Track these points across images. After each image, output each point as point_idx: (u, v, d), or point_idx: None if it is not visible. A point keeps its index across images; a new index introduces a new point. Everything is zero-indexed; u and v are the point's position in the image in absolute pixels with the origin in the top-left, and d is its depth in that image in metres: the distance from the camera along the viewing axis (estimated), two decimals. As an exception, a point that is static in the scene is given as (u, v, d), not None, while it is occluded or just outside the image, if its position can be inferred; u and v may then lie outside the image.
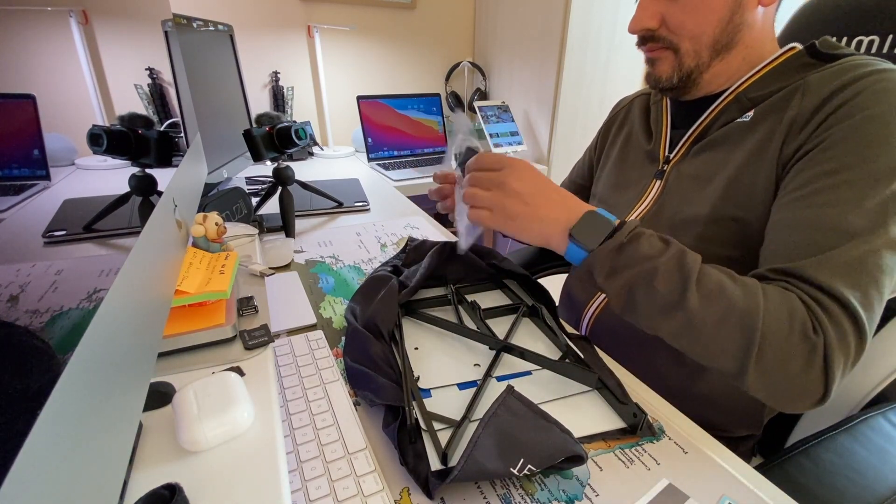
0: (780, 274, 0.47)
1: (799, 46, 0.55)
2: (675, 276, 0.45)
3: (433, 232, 1.01)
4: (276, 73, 1.75)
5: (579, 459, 0.42)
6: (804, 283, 0.45)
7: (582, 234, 0.49)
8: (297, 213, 1.00)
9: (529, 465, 0.40)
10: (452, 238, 0.93)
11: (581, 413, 0.50)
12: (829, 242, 0.45)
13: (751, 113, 0.55)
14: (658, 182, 0.64)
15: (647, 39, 0.57)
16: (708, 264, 0.48)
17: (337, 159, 1.74)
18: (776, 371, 0.44)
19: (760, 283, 0.46)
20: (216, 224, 0.58)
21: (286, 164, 0.96)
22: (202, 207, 0.82)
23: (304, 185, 1.11)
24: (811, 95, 0.50)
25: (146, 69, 0.49)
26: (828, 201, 0.46)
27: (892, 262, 0.44)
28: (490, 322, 0.63)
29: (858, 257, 0.44)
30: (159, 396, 0.41)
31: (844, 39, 0.64)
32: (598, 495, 0.42)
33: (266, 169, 1.50)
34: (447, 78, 2.07)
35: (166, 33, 0.61)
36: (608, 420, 0.49)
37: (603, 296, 0.70)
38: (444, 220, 1.87)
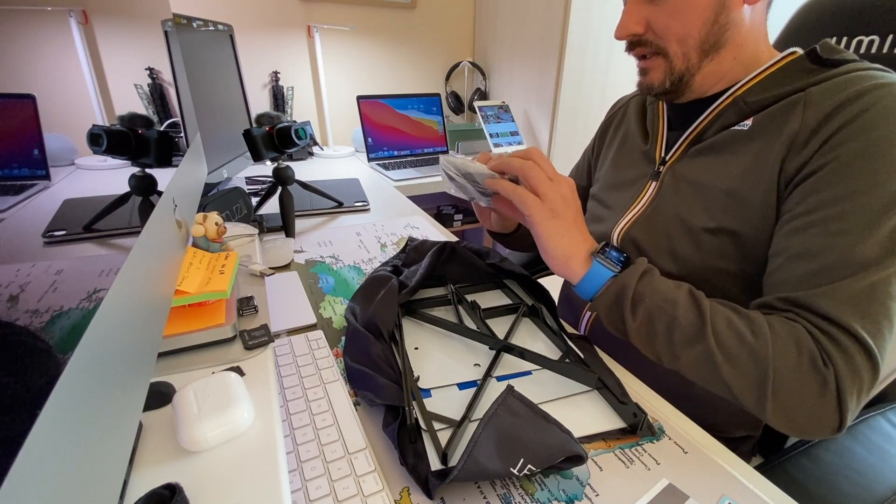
0: (787, 303, 0.47)
1: (800, 51, 0.54)
2: (694, 309, 0.48)
3: (433, 232, 1.01)
4: (276, 73, 1.75)
5: (579, 459, 0.42)
6: (812, 314, 0.45)
7: (604, 258, 0.52)
8: (297, 213, 1.00)
9: (529, 465, 0.40)
10: (452, 238, 0.93)
11: (581, 413, 0.50)
12: (839, 273, 0.45)
13: (749, 121, 0.54)
14: (654, 183, 0.64)
15: (634, 45, 0.57)
16: (712, 298, 0.49)
17: (337, 159, 1.74)
18: (793, 404, 0.44)
19: (765, 314, 0.47)
20: (216, 224, 0.58)
21: (286, 164, 0.96)
22: (202, 207, 0.82)
23: (304, 185, 1.10)
24: (813, 109, 0.49)
25: (146, 69, 0.49)
26: (837, 230, 0.46)
27: None
28: (490, 322, 0.63)
29: (868, 287, 0.44)
30: (159, 396, 0.41)
31: (844, 39, 0.64)
32: (598, 495, 0.42)
33: (266, 169, 1.50)
34: (447, 78, 2.07)
35: (166, 33, 0.61)
36: (608, 420, 0.49)
37: None
38: (445, 219, 1.87)
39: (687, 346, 0.48)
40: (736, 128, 0.55)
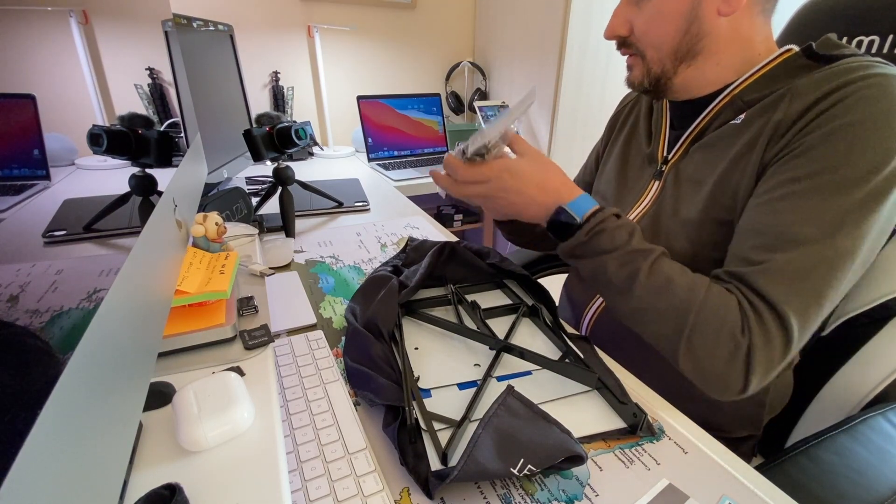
0: (731, 276, 0.50)
1: (796, 48, 0.55)
2: (624, 270, 0.51)
3: (433, 232, 1.01)
4: (276, 73, 1.75)
5: (579, 459, 0.42)
6: (748, 288, 0.48)
7: (553, 231, 0.56)
8: (297, 213, 1.00)
9: (529, 465, 0.40)
10: (452, 238, 0.93)
11: (581, 413, 0.50)
12: (777, 249, 0.47)
13: (743, 115, 0.55)
14: (657, 183, 0.64)
15: (620, 44, 0.61)
16: (671, 260, 0.52)
17: (337, 159, 1.74)
18: (703, 361, 0.48)
19: (712, 281, 0.50)
20: (216, 224, 0.58)
21: (286, 164, 0.96)
22: (202, 207, 0.82)
23: (304, 185, 1.11)
24: (798, 100, 0.50)
25: (146, 69, 0.49)
26: (787, 208, 0.47)
27: (839, 274, 0.45)
28: (490, 322, 0.63)
29: (804, 268, 0.46)
30: (159, 396, 0.41)
31: (844, 40, 0.64)
32: (598, 495, 0.42)
33: (266, 169, 1.50)
34: (447, 78, 2.07)
35: (166, 33, 0.61)
36: (608, 420, 0.49)
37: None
38: (445, 219, 1.87)
39: (617, 296, 0.53)
40: (732, 122, 0.56)
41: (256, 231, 0.77)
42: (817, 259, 0.45)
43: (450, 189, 0.60)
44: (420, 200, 1.33)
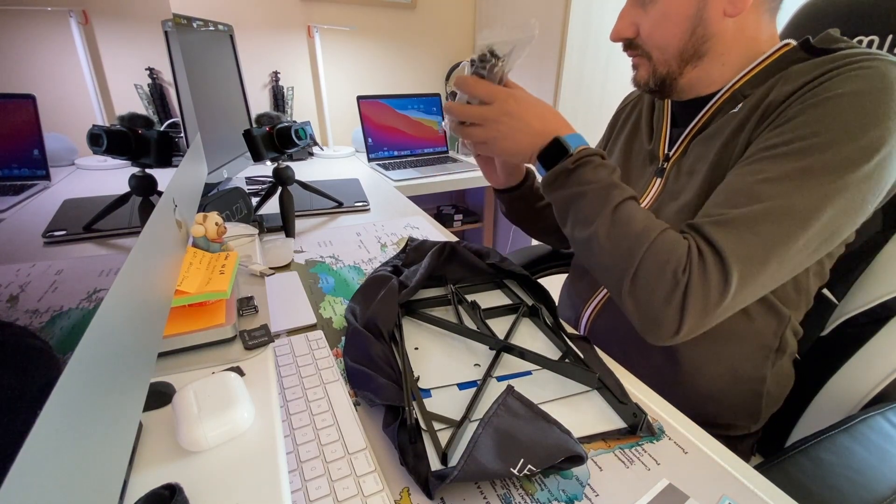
0: (689, 228, 0.52)
1: (793, 43, 0.55)
2: (597, 201, 0.54)
3: (433, 232, 1.01)
4: (276, 73, 1.75)
5: (579, 459, 0.42)
6: (700, 236, 0.50)
7: (542, 160, 0.59)
8: (297, 213, 1.00)
9: (529, 466, 0.40)
10: (452, 238, 0.93)
11: (581, 413, 0.50)
12: (737, 205, 0.48)
13: (740, 104, 0.56)
14: (658, 180, 0.65)
15: (626, 46, 0.61)
16: (640, 206, 0.54)
17: (337, 159, 1.74)
18: (643, 298, 0.50)
19: (670, 229, 0.52)
20: (216, 224, 0.58)
21: (286, 164, 0.96)
22: (202, 207, 0.82)
23: (304, 185, 1.10)
24: (790, 83, 0.51)
25: (146, 69, 0.49)
26: (754, 170, 0.49)
27: (792, 234, 0.46)
28: (490, 322, 0.63)
29: (755, 221, 0.47)
30: (159, 396, 0.41)
31: (844, 39, 0.64)
32: (598, 495, 0.42)
33: (266, 169, 1.50)
34: (447, 78, 2.07)
35: (166, 33, 0.61)
36: (608, 420, 0.49)
37: (602, 295, 0.70)
38: (445, 219, 1.87)
39: (579, 226, 0.55)
40: (731, 112, 0.57)
41: (256, 231, 0.77)
42: (770, 215, 0.46)
43: (457, 112, 0.61)
44: (420, 200, 1.33)
